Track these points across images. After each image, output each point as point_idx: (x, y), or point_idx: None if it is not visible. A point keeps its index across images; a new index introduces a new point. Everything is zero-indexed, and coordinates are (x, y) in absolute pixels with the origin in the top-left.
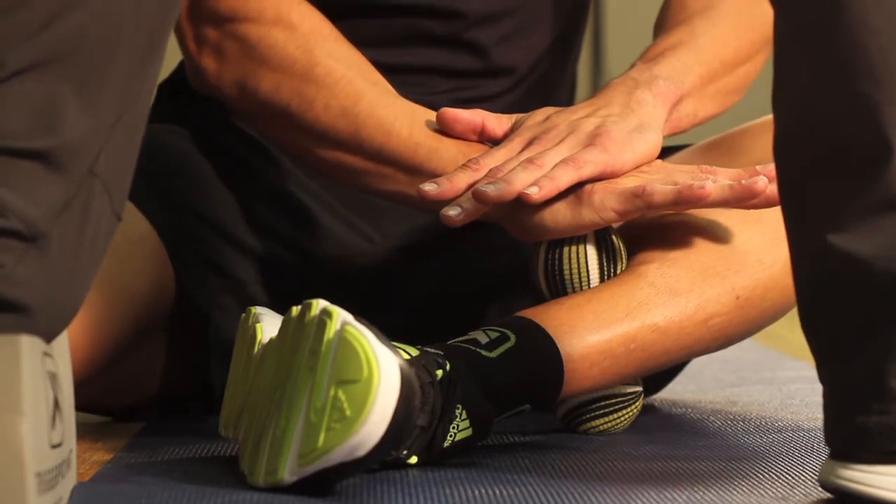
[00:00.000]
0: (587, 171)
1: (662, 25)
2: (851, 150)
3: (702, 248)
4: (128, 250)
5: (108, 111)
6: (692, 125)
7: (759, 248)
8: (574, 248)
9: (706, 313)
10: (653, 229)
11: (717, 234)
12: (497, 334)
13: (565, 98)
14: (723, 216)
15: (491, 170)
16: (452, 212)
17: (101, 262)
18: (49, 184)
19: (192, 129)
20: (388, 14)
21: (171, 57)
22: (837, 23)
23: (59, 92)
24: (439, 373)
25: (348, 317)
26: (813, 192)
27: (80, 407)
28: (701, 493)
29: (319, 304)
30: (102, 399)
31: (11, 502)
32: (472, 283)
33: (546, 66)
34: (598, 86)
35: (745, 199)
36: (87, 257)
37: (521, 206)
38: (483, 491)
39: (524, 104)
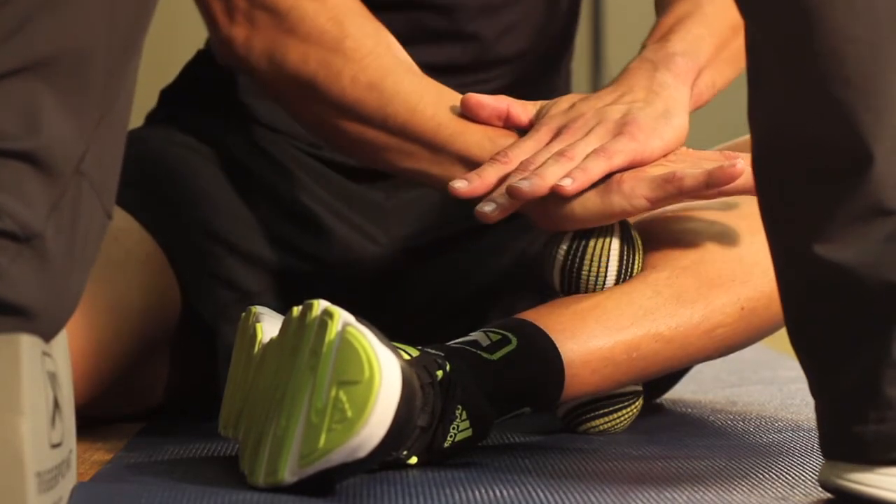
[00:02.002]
0: (618, 161)
1: (663, 1)
2: (832, 158)
3: (709, 259)
4: (134, 269)
5: (89, 111)
6: (712, 96)
7: (766, 258)
8: (601, 241)
9: (711, 324)
10: (660, 238)
11: (724, 245)
12: (499, 336)
13: (562, 87)
14: (731, 226)
15: (522, 163)
16: (487, 208)
17: (94, 261)
18: (37, 184)
19: (196, 137)
20: (388, 9)
21: (174, 63)
22: (813, 32)
23: (38, 93)
24: (439, 373)
25: (349, 318)
26: (795, 203)
27: (82, 419)
28: (701, 493)
29: (321, 304)
30: (106, 413)
31: (11, 502)
32: (475, 284)
33: (544, 55)
34: (597, 85)
35: None
36: (80, 257)
37: (552, 197)
38: (483, 491)
39: (523, 93)
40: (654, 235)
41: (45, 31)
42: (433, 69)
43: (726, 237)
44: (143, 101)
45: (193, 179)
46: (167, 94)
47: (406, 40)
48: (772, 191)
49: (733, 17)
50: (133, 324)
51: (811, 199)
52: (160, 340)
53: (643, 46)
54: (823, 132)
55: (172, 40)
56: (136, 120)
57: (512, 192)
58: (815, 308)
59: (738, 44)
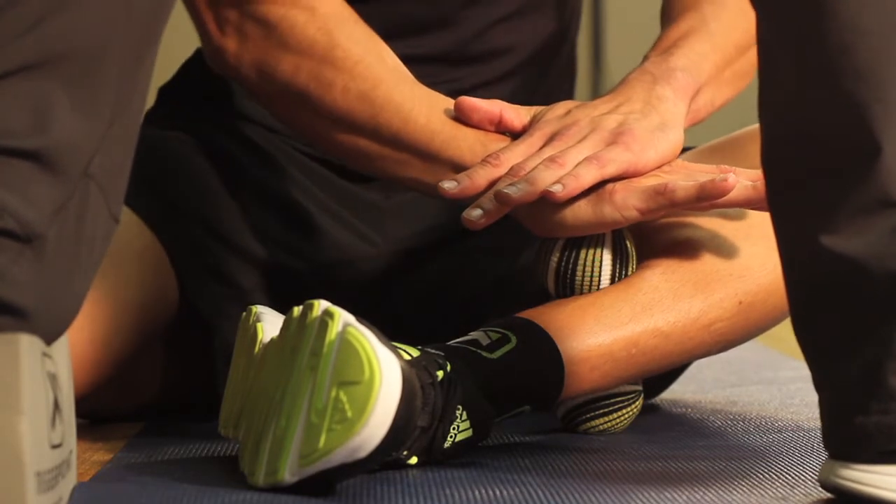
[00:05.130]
0: (610, 170)
1: (670, 13)
2: (840, 149)
3: (706, 254)
4: (132, 263)
5: (101, 112)
6: (709, 114)
7: (763, 253)
8: (591, 252)
9: (709, 318)
10: (658, 236)
11: (721, 242)
12: (498, 335)
13: (566, 80)
14: (727, 223)
15: (512, 167)
16: (474, 214)
17: (99, 264)
18: (43, 184)
19: (193, 134)
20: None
21: (173, 60)
22: (825, 25)
23: (50, 92)
24: (440, 373)
25: (350, 318)
26: (803, 194)
27: (80, 415)
28: (701, 493)
29: (321, 304)
30: (102, 409)
31: (11, 502)
32: (474, 284)
33: (544, 47)
34: (597, 83)
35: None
36: (84, 259)
37: (543, 203)
38: (483, 491)
39: (523, 85)
40: (651, 233)
41: (59, 29)
42: (421, 61)
43: (722, 236)
44: None
45: (190, 175)
46: (165, 92)
47: (392, 32)
48: (780, 182)
49: (738, 37)
50: (130, 317)
51: (819, 191)
52: (157, 334)
53: (645, 58)
54: (832, 123)
55: (171, 40)
56: None
57: (501, 198)
58: (821, 299)
59: (741, 64)
